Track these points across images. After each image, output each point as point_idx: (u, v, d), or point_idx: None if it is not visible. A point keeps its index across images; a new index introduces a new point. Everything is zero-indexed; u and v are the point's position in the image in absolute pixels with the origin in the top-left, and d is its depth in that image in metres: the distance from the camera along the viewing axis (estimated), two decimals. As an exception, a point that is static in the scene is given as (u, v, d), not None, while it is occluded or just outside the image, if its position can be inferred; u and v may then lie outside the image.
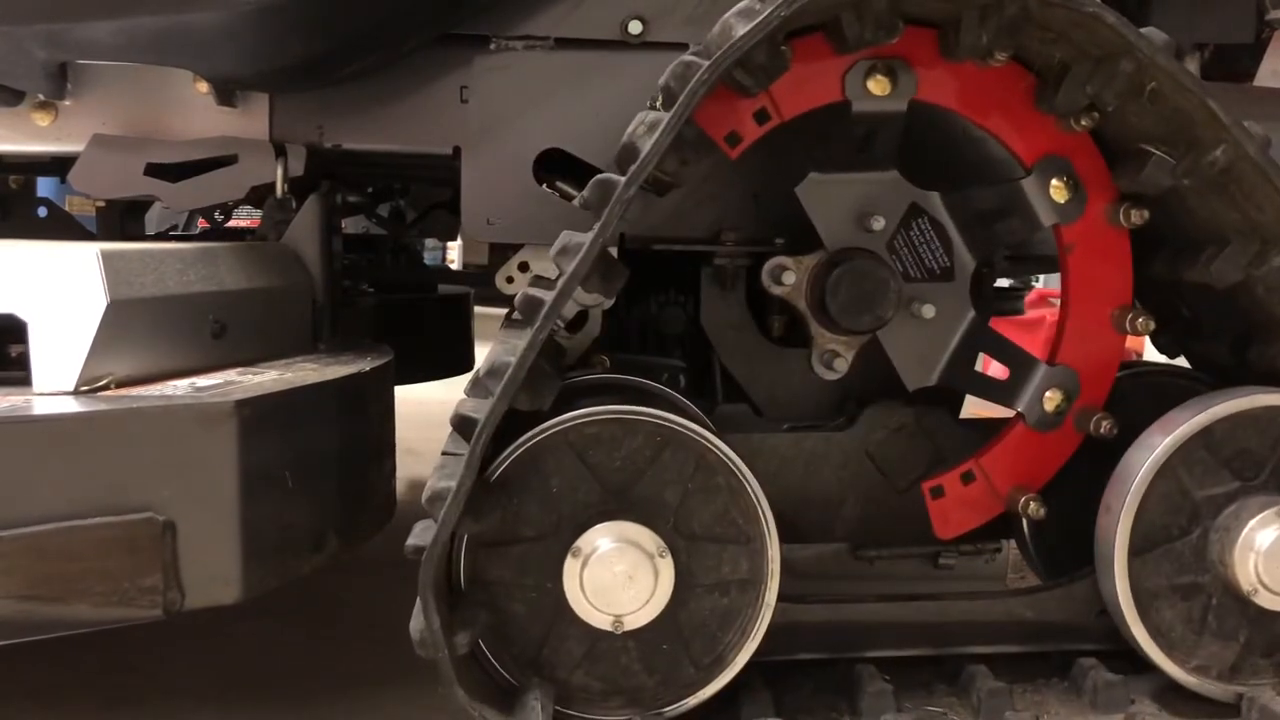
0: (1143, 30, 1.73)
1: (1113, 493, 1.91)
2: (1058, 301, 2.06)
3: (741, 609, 1.83)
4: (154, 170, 2.25)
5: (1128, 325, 1.98)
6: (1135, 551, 1.89)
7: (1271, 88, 2.38)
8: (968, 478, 2.03)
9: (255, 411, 1.68)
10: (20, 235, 2.82)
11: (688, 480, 1.81)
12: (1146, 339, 2.22)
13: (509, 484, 1.78)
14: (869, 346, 2.00)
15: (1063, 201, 1.95)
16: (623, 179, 1.67)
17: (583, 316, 2.19)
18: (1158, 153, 1.85)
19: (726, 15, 1.71)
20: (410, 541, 1.68)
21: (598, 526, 1.77)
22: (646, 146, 1.67)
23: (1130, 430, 1.95)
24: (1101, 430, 1.97)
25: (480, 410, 1.66)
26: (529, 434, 1.78)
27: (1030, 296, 4.61)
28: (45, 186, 3.27)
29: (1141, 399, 2.09)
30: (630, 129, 1.76)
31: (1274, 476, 1.90)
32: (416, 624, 1.66)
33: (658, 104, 1.82)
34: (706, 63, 1.66)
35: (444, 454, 1.76)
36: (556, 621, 1.80)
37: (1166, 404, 1.96)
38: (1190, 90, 1.75)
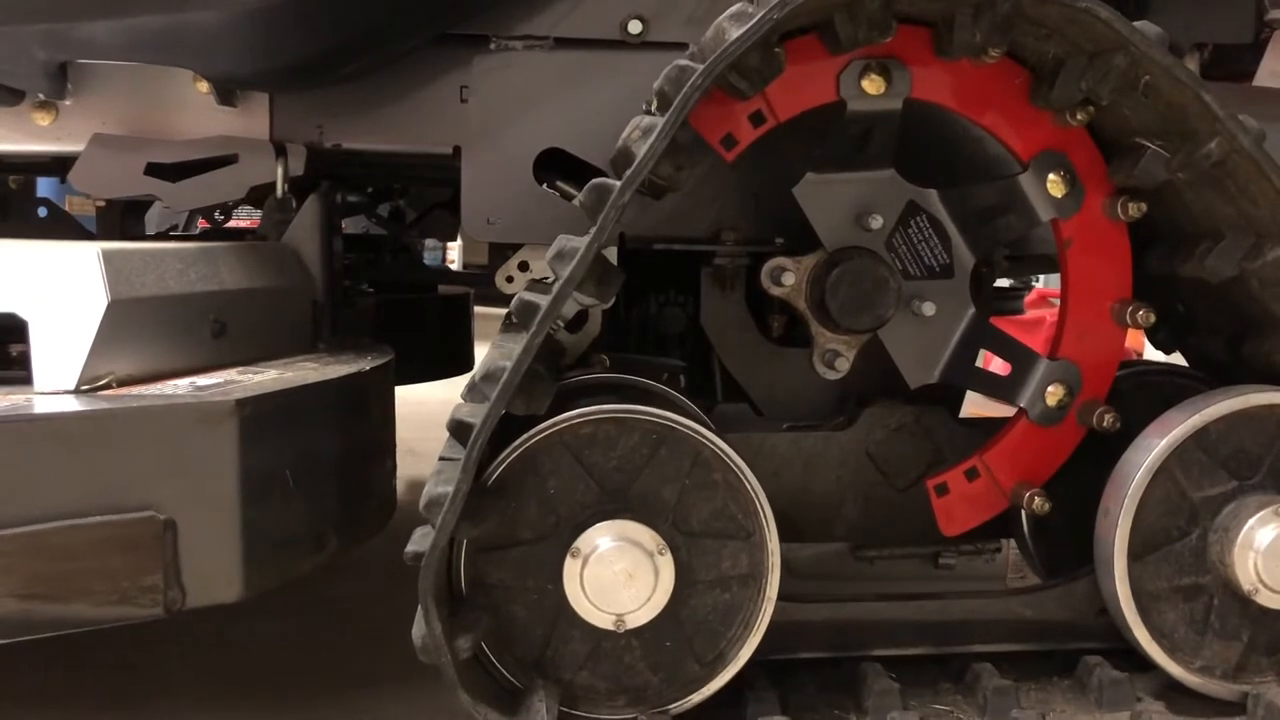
0: (1136, 24, 1.73)
1: (1110, 496, 1.91)
2: (1057, 302, 2.05)
3: (743, 604, 1.83)
4: (154, 170, 2.26)
5: (1128, 318, 1.97)
6: (1135, 555, 1.88)
7: (1270, 87, 2.38)
8: (972, 474, 2.02)
9: (256, 410, 1.68)
10: (20, 235, 2.83)
11: (685, 477, 1.81)
12: (1146, 340, 2.22)
13: (506, 487, 1.78)
14: (868, 345, 2.00)
15: (1060, 196, 1.94)
16: (618, 184, 1.67)
17: (583, 316, 2.19)
18: (1152, 146, 1.85)
19: (720, 19, 1.70)
20: (409, 548, 1.68)
21: (596, 526, 1.77)
22: (641, 151, 1.66)
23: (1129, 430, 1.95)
24: (1104, 424, 1.97)
25: (476, 415, 1.66)
26: (524, 436, 1.78)
27: (1030, 297, 4.61)
28: (45, 186, 3.28)
29: (1139, 399, 2.09)
30: (625, 133, 1.75)
31: (1271, 475, 1.90)
32: (418, 630, 1.66)
33: (653, 108, 1.82)
34: (700, 67, 1.65)
35: (441, 459, 1.76)
36: (558, 622, 1.80)
37: (1164, 404, 1.96)
38: (1184, 83, 1.74)
